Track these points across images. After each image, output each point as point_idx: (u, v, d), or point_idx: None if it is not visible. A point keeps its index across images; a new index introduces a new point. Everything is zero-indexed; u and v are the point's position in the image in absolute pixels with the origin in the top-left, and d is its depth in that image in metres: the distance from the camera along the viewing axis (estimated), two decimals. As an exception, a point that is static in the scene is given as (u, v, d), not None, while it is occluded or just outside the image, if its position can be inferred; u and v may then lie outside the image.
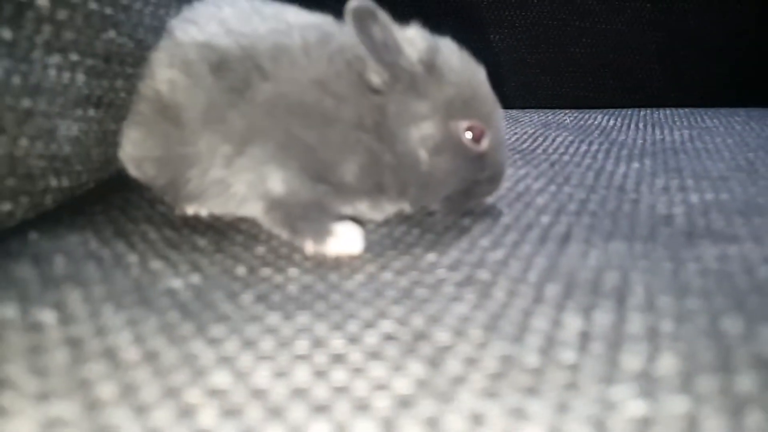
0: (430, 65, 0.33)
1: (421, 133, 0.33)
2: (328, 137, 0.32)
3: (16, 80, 0.29)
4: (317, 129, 0.32)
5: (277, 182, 0.32)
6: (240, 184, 0.33)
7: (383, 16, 0.32)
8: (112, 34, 0.34)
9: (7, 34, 0.28)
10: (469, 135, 0.34)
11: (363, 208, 0.35)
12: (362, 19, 0.32)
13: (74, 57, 0.32)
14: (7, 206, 0.30)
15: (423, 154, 0.33)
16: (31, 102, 0.30)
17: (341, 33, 0.34)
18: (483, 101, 0.35)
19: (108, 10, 0.33)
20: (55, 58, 0.30)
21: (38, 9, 0.29)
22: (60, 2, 0.30)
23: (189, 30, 0.35)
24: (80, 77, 0.32)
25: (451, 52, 0.35)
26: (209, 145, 0.33)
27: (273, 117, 0.32)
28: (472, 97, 0.34)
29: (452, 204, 0.36)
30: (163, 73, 0.35)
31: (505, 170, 0.36)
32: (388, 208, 0.36)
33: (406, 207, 0.36)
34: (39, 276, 0.28)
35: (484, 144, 0.34)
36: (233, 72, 0.33)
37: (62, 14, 0.30)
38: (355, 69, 0.33)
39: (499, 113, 0.36)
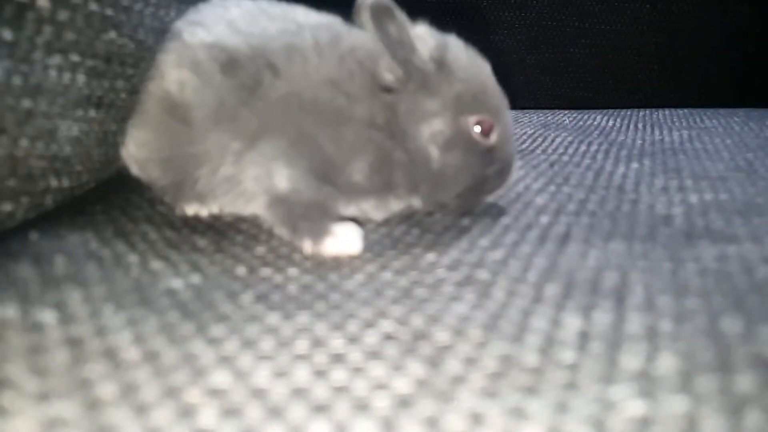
0: (441, 62, 0.34)
1: (432, 129, 0.34)
2: (340, 135, 0.33)
3: (17, 81, 0.29)
4: (330, 127, 0.33)
5: (282, 179, 0.32)
6: (248, 180, 0.33)
7: (399, 14, 0.33)
8: (112, 35, 0.34)
9: (7, 34, 0.28)
10: (478, 129, 0.34)
11: (368, 207, 0.35)
12: (379, 16, 0.32)
13: (75, 58, 0.32)
14: (7, 206, 0.30)
15: (434, 151, 0.34)
16: (31, 102, 0.30)
17: (350, 33, 0.35)
18: (491, 96, 0.35)
19: (109, 11, 0.33)
20: (55, 59, 0.30)
21: (39, 10, 0.29)
22: (61, 3, 0.30)
23: (197, 32, 0.36)
24: (81, 78, 0.32)
25: (458, 49, 0.35)
26: (219, 143, 0.34)
27: (285, 114, 0.33)
28: (480, 92, 0.35)
29: (464, 201, 0.36)
30: (172, 74, 0.35)
31: (514, 163, 0.37)
32: (395, 206, 0.36)
33: (415, 203, 0.36)
34: (39, 276, 0.28)
35: (493, 138, 0.35)
36: (244, 70, 0.34)
37: (63, 15, 0.30)
38: (367, 68, 0.34)
39: (507, 107, 0.36)
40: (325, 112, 0.33)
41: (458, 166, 0.34)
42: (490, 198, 0.38)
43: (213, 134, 0.34)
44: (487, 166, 0.35)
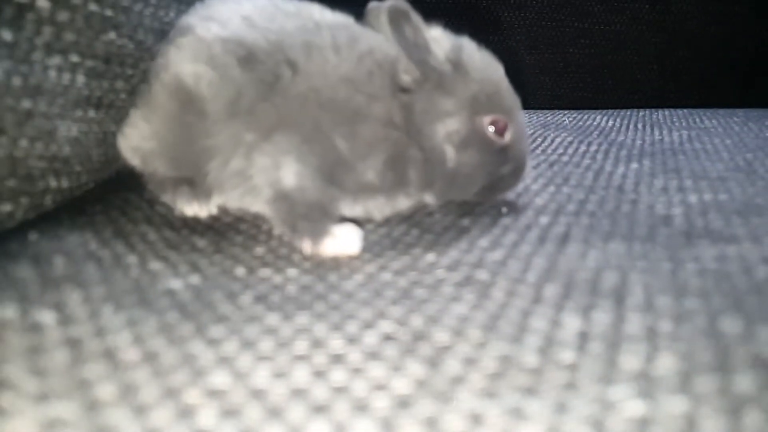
0: (456, 63, 0.35)
1: (447, 129, 0.34)
2: (356, 133, 0.33)
3: (17, 81, 0.29)
4: (346, 125, 0.33)
5: (290, 175, 0.33)
6: (255, 172, 0.33)
7: (415, 16, 0.33)
8: (112, 35, 0.34)
9: (7, 35, 0.28)
10: (492, 129, 0.35)
11: (376, 205, 0.36)
12: (397, 19, 0.33)
13: (74, 58, 0.32)
14: (7, 207, 0.30)
15: (449, 150, 0.35)
16: (31, 103, 0.30)
17: (364, 34, 0.36)
18: (505, 96, 0.36)
19: (108, 12, 0.33)
20: (55, 60, 0.30)
21: (39, 11, 0.29)
22: (61, 4, 0.30)
23: (211, 27, 0.36)
24: (80, 78, 0.32)
25: (473, 50, 0.36)
26: (233, 135, 0.34)
27: (302, 110, 0.33)
28: (494, 93, 0.36)
29: (479, 200, 0.38)
30: (187, 68, 0.35)
31: (528, 161, 0.37)
32: (403, 204, 0.37)
33: (428, 199, 0.37)
34: (39, 276, 0.28)
35: (507, 137, 0.35)
36: (263, 65, 0.34)
37: (63, 16, 0.30)
38: (385, 69, 0.34)
39: (520, 107, 0.37)
40: (342, 110, 0.33)
41: (473, 165, 0.35)
42: (503, 196, 0.39)
43: (227, 126, 0.34)
44: (502, 165, 0.36)
